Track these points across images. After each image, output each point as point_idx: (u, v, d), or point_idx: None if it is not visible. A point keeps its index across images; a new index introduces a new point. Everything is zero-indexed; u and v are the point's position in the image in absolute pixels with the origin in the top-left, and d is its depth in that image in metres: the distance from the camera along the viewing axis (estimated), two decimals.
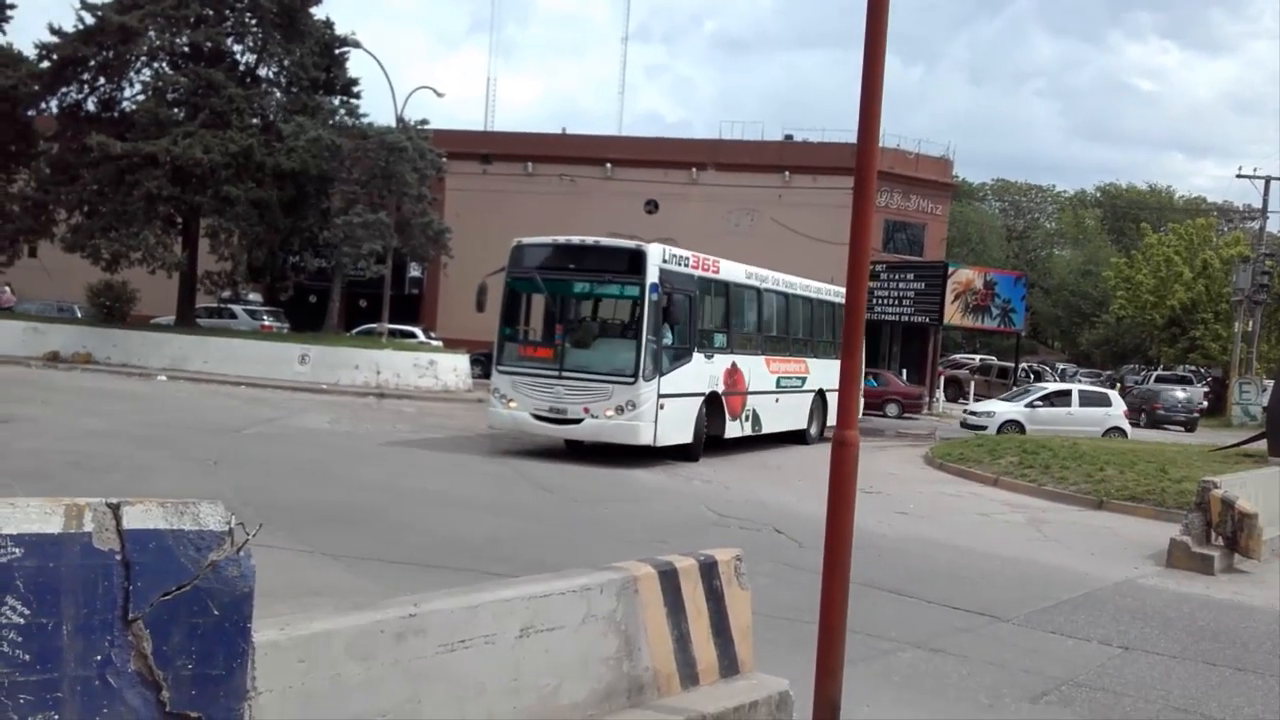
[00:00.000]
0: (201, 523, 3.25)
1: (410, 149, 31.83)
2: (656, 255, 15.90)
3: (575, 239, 16.93)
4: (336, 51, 33.18)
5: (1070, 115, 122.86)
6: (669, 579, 4.97)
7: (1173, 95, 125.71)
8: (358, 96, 33.98)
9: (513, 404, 16.17)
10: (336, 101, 33.28)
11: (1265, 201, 45.39)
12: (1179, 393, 40.28)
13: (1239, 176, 49.53)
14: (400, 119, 32.49)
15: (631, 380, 15.40)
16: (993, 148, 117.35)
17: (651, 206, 41.89)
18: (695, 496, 13.56)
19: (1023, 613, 8.58)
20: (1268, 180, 44.99)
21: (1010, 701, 6.36)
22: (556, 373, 15.91)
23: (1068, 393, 28.33)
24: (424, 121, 33.94)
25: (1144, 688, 6.83)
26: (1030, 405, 27.38)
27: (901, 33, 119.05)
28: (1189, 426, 36.77)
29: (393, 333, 33.10)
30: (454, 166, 39.72)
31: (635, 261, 15.82)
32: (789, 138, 44.38)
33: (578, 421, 15.73)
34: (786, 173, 40.61)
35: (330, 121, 31.97)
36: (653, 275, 15.53)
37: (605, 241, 16.97)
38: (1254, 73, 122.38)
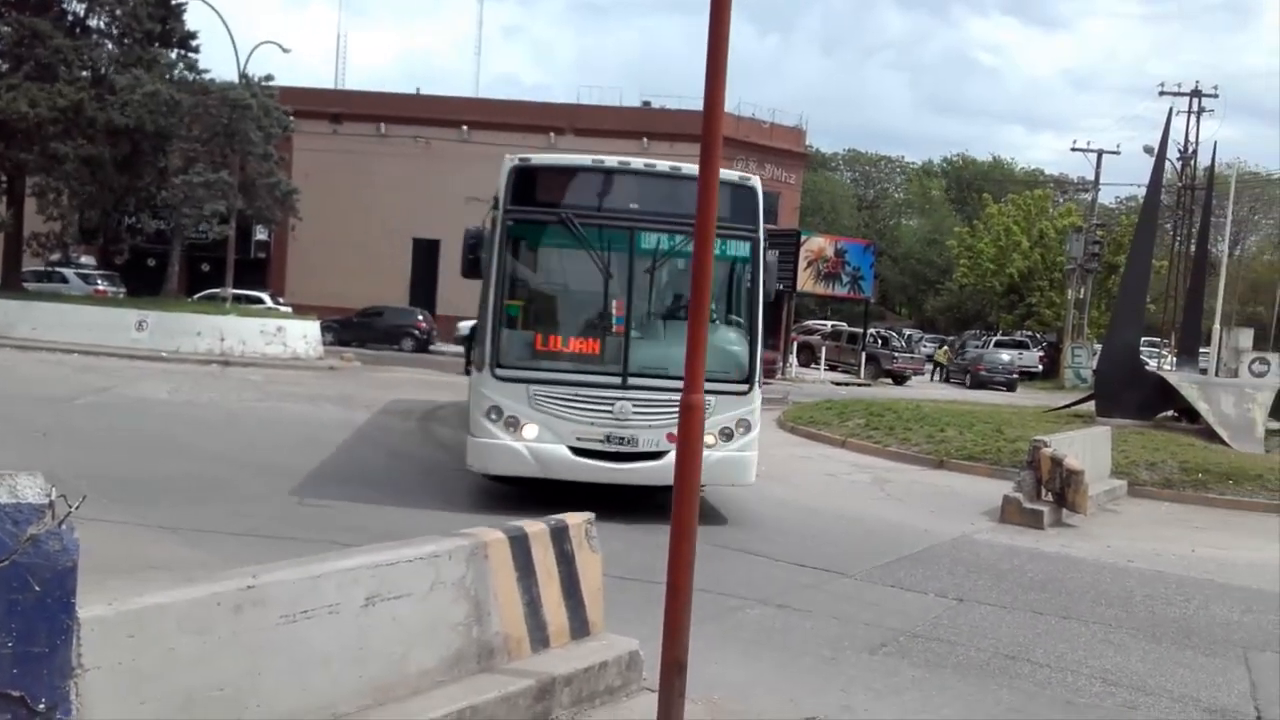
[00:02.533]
0: (19, 495, 3.09)
1: (255, 106, 30.63)
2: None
3: (634, 161, 10.64)
4: (173, 2, 31.53)
5: (918, 88, 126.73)
6: (519, 544, 4.98)
7: (1014, 70, 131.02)
8: (197, 50, 32.37)
9: (531, 431, 9.79)
10: (174, 55, 31.66)
11: (1097, 174, 48.02)
12: (1003, 355, 43.15)
13: (1074, 150, 51.94)
14: (244, 75, 31.18)
15: (745, 387, 10.13)
16: (845, 118, 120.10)
17: None
18: None
19: (865, 568, 8.92)
20: (1100, 154, 47.58)
21: (851, 653, 6.61)
22: (617, 379, 9.87)
23: None
24: (269, 78, 32.69)
25: (976, 636, 7.19)
26: None
27: (756, 2, 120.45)
28: (1010, 387, 39.70)
29: (238, 298, 31.91)
30: (303, 126, 38.43)
31: (744, 200, 10.15)
32: (647, 104, 44.49)
33: (655, 456, 9.74)
34: (645, 139, 40.66)
35: (168, 76, 30.42)
36: (763, 222, 10.40)
37: (693, 170, 10.35)
38: (1089, 50, 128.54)
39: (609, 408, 9.82)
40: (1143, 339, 26.01)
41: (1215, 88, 45.15)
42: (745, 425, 10.12)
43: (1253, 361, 35.30)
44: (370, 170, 40.92)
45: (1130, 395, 19.29)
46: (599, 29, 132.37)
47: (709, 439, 9.27)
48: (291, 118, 33.96)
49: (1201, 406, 18.14)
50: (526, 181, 9.95)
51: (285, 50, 31.11)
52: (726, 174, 9.41)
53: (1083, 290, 46.22)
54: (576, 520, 5.40)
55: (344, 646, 4.09)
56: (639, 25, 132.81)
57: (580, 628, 5.26)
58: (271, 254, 43.32)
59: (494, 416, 9.74)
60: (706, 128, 4.75)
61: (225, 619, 3.70)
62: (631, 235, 9.96)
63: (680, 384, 8.77)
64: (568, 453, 9.79)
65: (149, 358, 24.44)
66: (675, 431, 8.55)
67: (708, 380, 9.00)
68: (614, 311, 10.06)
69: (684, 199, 9.35)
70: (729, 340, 10.49)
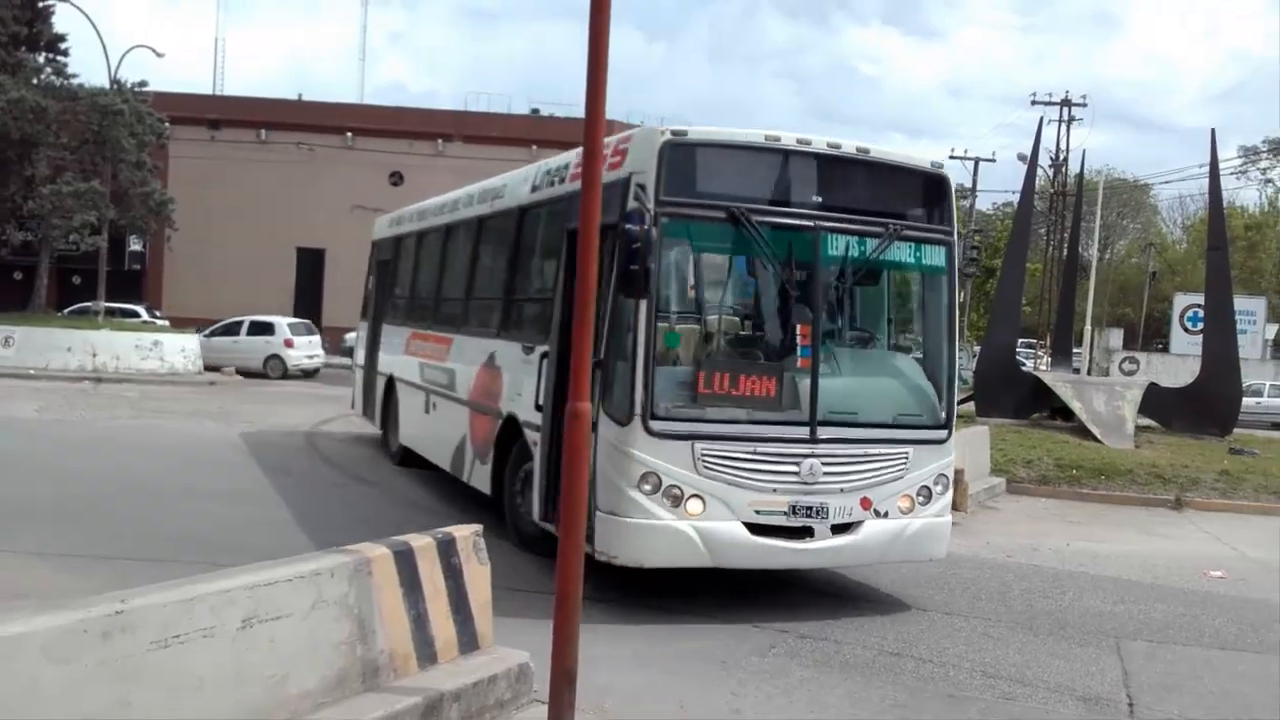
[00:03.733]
0: None
1: (127, 112, 29.57)
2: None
3: (814, 139, 7.90)
4: (40, 5, 30.28)
5: (803, 96, 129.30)
6: (405, 559, 4.90)
7: (894, 79, 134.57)
8: (66, 54, 31.23)
9: (696, 505, 7.32)
10: (41, 59, 30.42)
11: (974, 182, 49.63)
12: None
13: (951, 158, 53.59)
14: (115, 80, 30.08)
15: (943, 434, 8.15)
16: (734, 126, 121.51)
17: (396, 178, 40.82)
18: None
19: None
20: (976, 161, 49.22)
21: (742, 656, 6.67)
22: (804, 429, 7.55)
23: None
24: (143, 83, 31.60)
25: (862, 635, 7.34)
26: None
27: (644, 8, 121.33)
28: None
29: (111, 311, 30.73)
30: (179, 133, 37.23)
31: (935, 194, 8.28)
32: (535, 112, 44.37)
33: (846, 529, 7.66)
34: (534, 146, 40.45)
35: (35, 81, 29.18)
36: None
37: (883, 154, 8.18)
38: (966, 59, 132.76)
39: (794, 468, 7.41)
40: (1019, 341, 26.93)
41: (1084, 97, 47.02)
42: (944, 482, 8.15)
43: (1122, 361, 37.05)
44: (251, 178, 39.83)
45: (1008, 395, 19.91)
46: (487, 35, 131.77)
47: (904, 502, 7.81)
48: (166, 124, 32.87)
49: (1075, 405, 18.83)
50: (684, 163, 7.42)
51: (159, 54, 30.10)
52: (913, 160, 8.19)
53: (961, 294, 47.70)
54: (464, 533, 5.34)
55: (220, 671, 3.97)
56: (528, 32, 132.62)
57: (469, 642, 5.19)
58: (147, 265, 41.85)
59: (649, 487, 7.17)
60: (588, 134, 4.75)
61: (92, 647, 3.55)
62: (816, 238, 7.60)
63: (877, 433, 7.71)
64: (744, 532, 7.32)
65: (15, 375, 23.36)
66: (871, 495, 7.60)
67: (903, 427, 7.86)
68: (798, 339, 7.65)
69: (876, 191, 8.00)
70: (922, 375, 8.29)
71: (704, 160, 7.58)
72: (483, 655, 5.20)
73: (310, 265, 40.82)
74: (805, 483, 7.45)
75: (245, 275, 38.49)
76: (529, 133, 41.19)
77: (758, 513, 7.37)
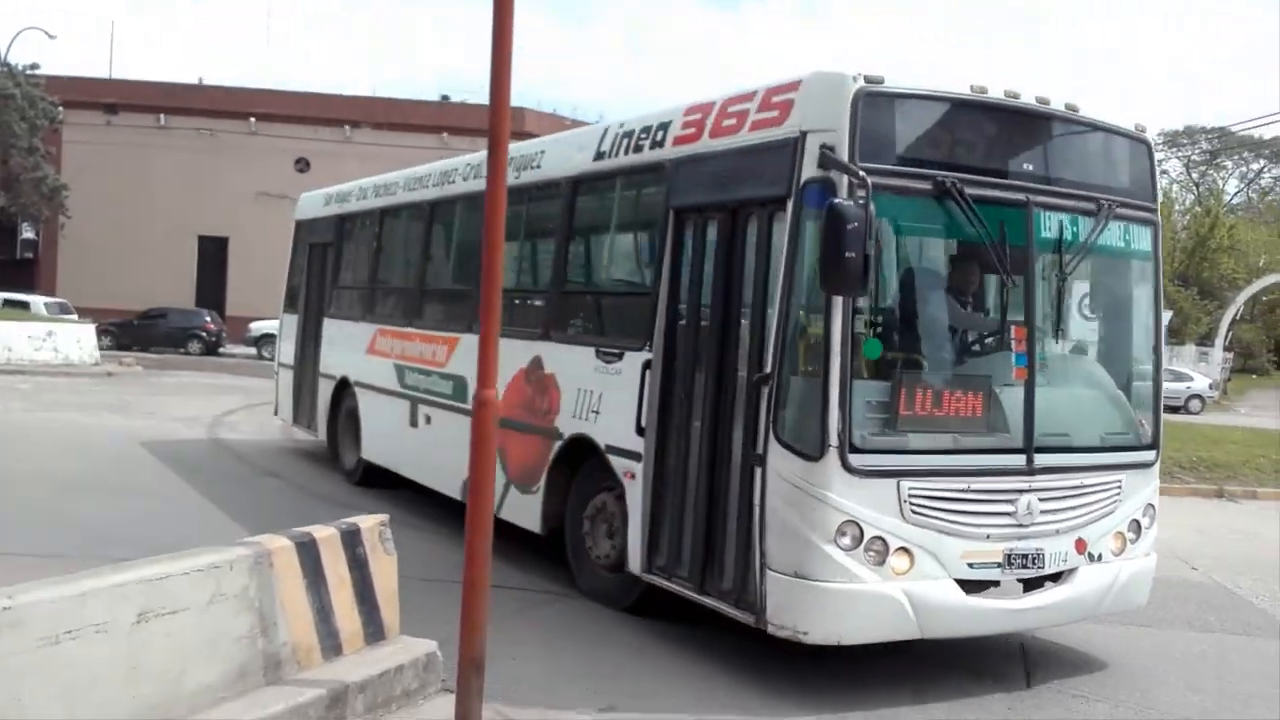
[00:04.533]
0: None
1: (18, 96, 28.54)
2: None
3: (1021, 92, 6.29)
4: None
5: (722, 86, 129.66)
6: (308, 550, 4.85)
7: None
8: None
9: (902, 561, 5.77)
10: None
11: None
12: None
13: None
14: (5, 63, 28.93)
15: (1152, 454, 6.84)
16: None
17: (302, 165, 40.00)
18: None
19: None
20: None
21: (654, 642, 6.72)
22: (1020, 457, 6.11)
23: None
24: (34, 66, 30.48)
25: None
26: None
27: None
28: None
29: (3, 301, 29.60)
30: (73, 117, 36.04)
31: (1139, 163, 6.87)
32: (445, 98, 43.87)
33: (1058, 578, 6.32)
34: (445, 134, 40.12)
35: None
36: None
37: (1091, 113, 6.60)
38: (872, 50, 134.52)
39: (1008, 507, 5.98)
40: None
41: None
42: (1152, 513, 6.74)
43: None
44: (150, 164, 38.65)
45: None
46: (398, 18, 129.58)
47: (1115, 542, 6.45)
48: (60, 108, 31.77)
49: None
50: (882, 119, 5.77)
51: (51, 36, 29.14)
52: (1113, 123, 6.65)
53: None
54: (369, 523, 5.30)
55: (114, 667, 3.88)
56: (438, 15, 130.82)
57: (375, 632, 5.16)
58: (40, 254, 40.40)
59: (848, 540, 5.59)
60: (493, 123, 4.72)
61: None
62: (1029, 217, 6.12)
63: (1093, 458, 6.27)
64: (957, 592, 5.85)
65: None
66: (1085, 535, 6.20)
67: (1115, 449, 6.48)
68: (1013, 345, 6.17)
69: (1084, 159, 6.56)
70: (1129, 385, 6.89)
71: (903, 116, 5.94)
72: (389, 645, 5.17)
73: (213, 254, 39.80)
74: (1021, 525, 6.00)
75: (144, 264, 37.41)
76: (439, 120, 40.73)
77: (970, 566, 5.89)
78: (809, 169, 5.72)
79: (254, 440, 15.07)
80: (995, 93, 6.15)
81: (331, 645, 4.87)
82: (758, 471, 5.79)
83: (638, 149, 7.27)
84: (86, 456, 12.66)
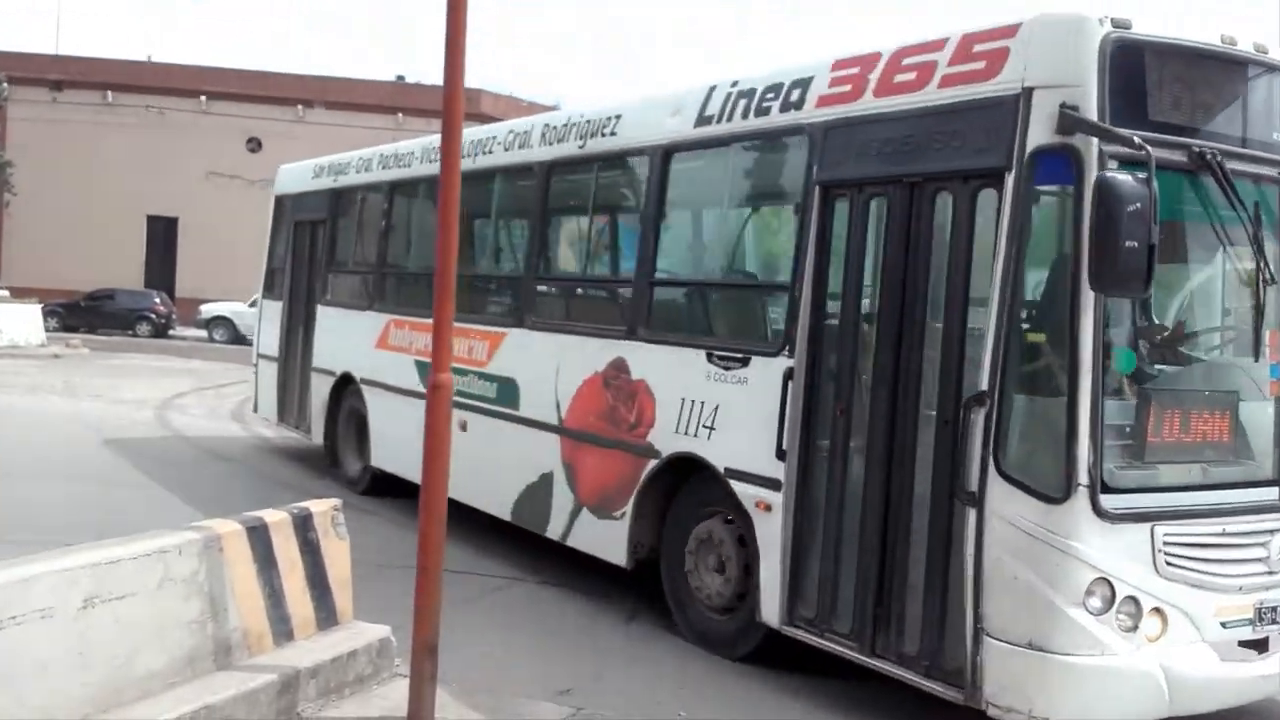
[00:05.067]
0: None
1: None
2: None
3: (1272, 52, 5.12)
4: None
5: (702, 70, 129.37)
6: (258, 535, 4.81)
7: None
8: None
9: (1153, 625, 4.69)
10: None
11: None
12: None
13: None
14: None
15: None
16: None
17: (254, 144, 39.45)
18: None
19: None
20: None
21: (609, 626, 6.75)
22: (1272, 490, 5.07)
23: None
24: None
25: None
26: None
27: None
28: None
29: None
30: (17, 94, 35.27)
31: None
32: (401, 78, 43.41)
33: None
34: (400, 114, 39.71)
35: None
36: None
37: None
38: None
39: (1260, 551, 4.96)
40: None
41: None
42: None
43: None
44: (97, 142, 37.87)
45: None
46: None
47: None
48: (5, 85, 31.04)
49: None
50: (1133, 74, 4.76)
51: None
52: None
53: None
54: (322, 507, 5.26)
55: (62, 652, 3.82)
56: None
57: (328, 618, 5.12)
58: None
59: (1099, 602, 4.59)
60: (447, 104, 4.67)
61: None
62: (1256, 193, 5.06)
63: None
64: (1213, 658, 4.82)
65: None
66: None
67: None
68: (1267, 353, 5.16)
69: None
70: None
71: (1154, 70, 4.83)
72: (342, 630, 5.13)
73: (162, 234, 39.13)
74: (1272, 572, 4.96)
75: (91, 244, 36.72)
76: (394, 100, 40.31)
77: (1223, 625, 4.85)
78: (1038, 135, 4.65)
79: (204, 424, 14.90)
80: (1245, 45, 5.06)
81: (283, 630, 4.83)
82: (969, 514, 4.71)
83: (762, 111, 6.05)
84: (29, 438, 12.42)
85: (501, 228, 9.19)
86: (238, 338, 32.26)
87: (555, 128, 7.80)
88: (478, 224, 9.31)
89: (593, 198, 7.82)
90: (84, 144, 37.64)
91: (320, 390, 10.83)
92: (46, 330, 26.54)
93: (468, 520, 7.90)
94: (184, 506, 9.05)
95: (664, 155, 6.75)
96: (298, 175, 12.21)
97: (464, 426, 8.05)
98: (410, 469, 8.48)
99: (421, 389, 8.32)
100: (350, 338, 10.38)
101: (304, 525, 5.08)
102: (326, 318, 10.95)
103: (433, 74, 42.44)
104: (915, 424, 5.04)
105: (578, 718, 5.20)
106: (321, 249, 11.27)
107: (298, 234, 11.90)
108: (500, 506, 7.96)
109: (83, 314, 32.74)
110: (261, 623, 4.72)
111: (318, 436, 11.00)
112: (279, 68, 45.55)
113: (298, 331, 11.62)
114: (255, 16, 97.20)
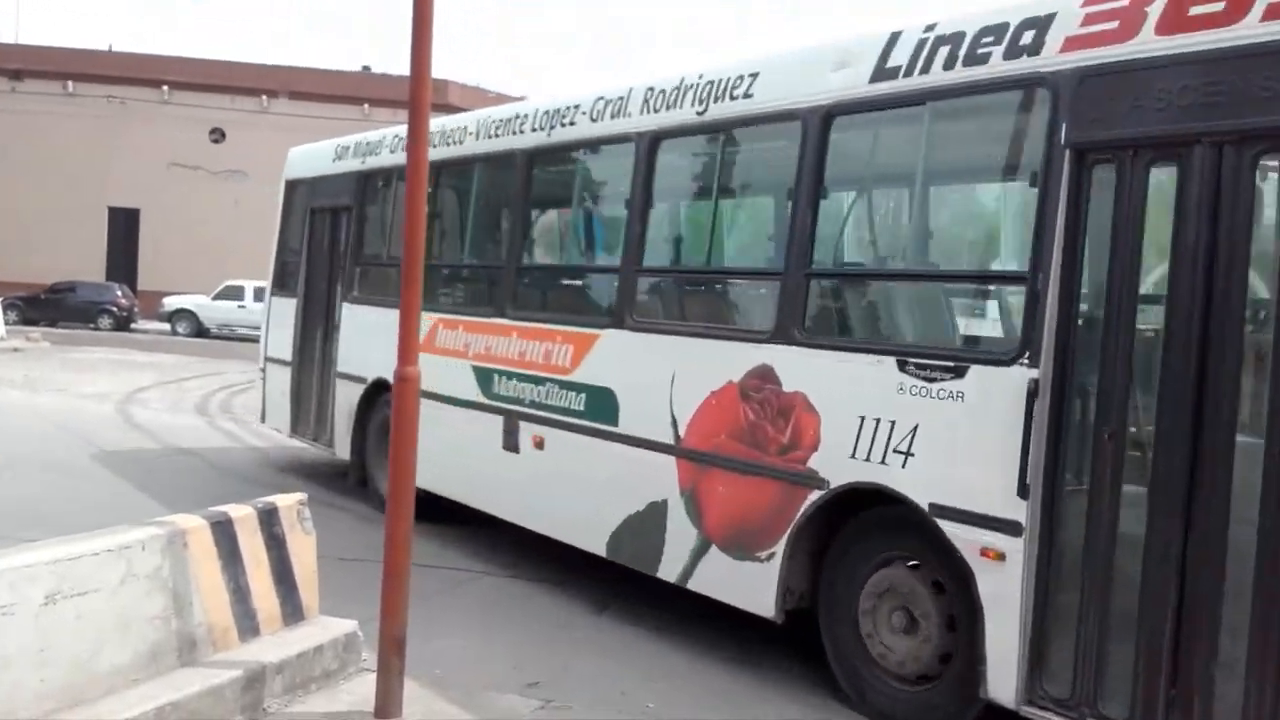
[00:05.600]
0: None
1: None
2: None
3: None
4: None
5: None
6: (223, 530, 4.77)
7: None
8: None
9: None
10: None
11: None
12: None
13: None
14: None
15: None
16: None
17: (217, 135, 39.04)
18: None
19: None
20: None
21: (580, 617, 6.75)
22: None
23: None
24: None
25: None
26: None
27: None
28: None
29: None
30: None
31: None
32: (367, 69, 43.09)
33: None
34: (366, 105, 39.40)
35: None
36: None
37: None
38: None
39: None
40: None
41: None
42: None
43: None
44: (57, 133, 37.34)
45: None
46: None
47: None
48: None
49: None
50: None
51: None
52: None
53: None
54: (287, 502, 5.23)
55: (23, 649, 3.79)
56: None
57: (294, 613, 5.09)
58: None
59: None
60: (413, 95, 4.65)
61: None
62: None
63: None
64: None
65: None
66: None
67: None
68: None
69: None
70: None
71: None
72: (308, 626, 5.10)
73: (124, 226, 38.64)
74: None
75: (52, 236, 36.24)
76: (360, 90, 39.97)
77: None
78: None
79: (167, 418, 14.73)
80: None
81: (249, 626, 4.80)
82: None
83: (976, 59, 4.88)
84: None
85: (587, 212, 8.14)
86: (201, 331, 32.00)
87: (664, 92, 6.57)
88: (553, 209, 8.44)
89: (717, 173, 6.60)
90: (44, 134, 37.11)
91: (346, 399, 9.51)
92: (7, 324, 26.17)
93: (437, 513, 7.86)
94: (148, 501, 8.96)
95: (824, 119, 5.52)
96: (314, 157, 10.86)
97: (539, 444, 7.21)
98: (469, 492, 7.98)
99: (483, 399, 7.70)
100: (385, 339, 8.37)
101: (269, 520, 5.05)
102: (354, 317, 9.59)
103: (404, 65, 42.08)
104: (1229, 454, 3.97)
105: (546, 709, 5.19)
106: (347, 239, 9.90)
107: (315, 223, 10.56)
108: (590, 539, 6.83)
109: (44, 307, 32.33)
110: (226, 618, 4.68)
111: (342, 451, 9.69)
112: (243, 57, 45.11)
113: (316, 332, 10.32)
114: (219, 6, 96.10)
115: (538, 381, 7.19)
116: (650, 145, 6.60)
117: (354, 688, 5.00)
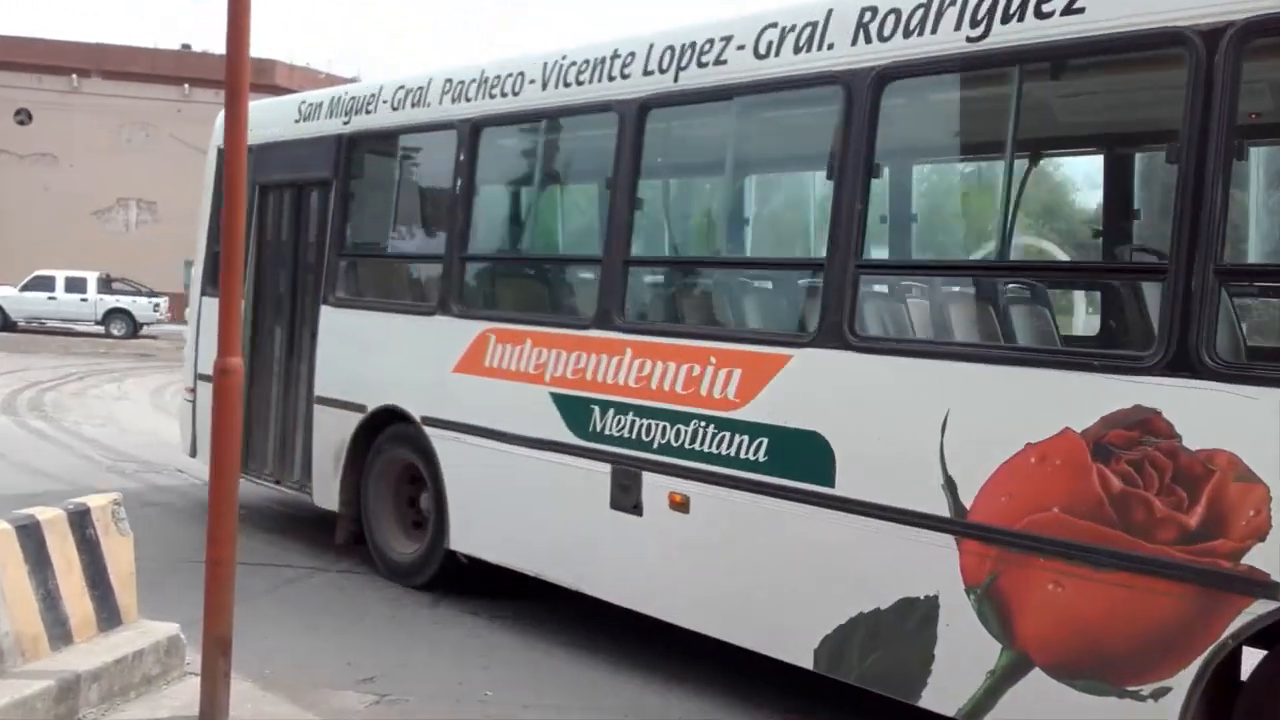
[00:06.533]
0: None
1: None
2: None
3: None
4: None
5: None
6: (29, 533, 4.53)
7: None
8: None
9: None
10: None
11: None
12: None
13: None
14: None
15: None
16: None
17: (24, 116, 36.71)
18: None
19: None
20: None
21: (415, 610, 6.68)
22: None
23: None
24: None
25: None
26: None
27: None
28: None
29: None
30: None
31: None
32: (187, 47, 41.20)
33: None
34: (186, 85, 37.68)
35: None
36: None
37: None
38: None
39: None
40: None
41: None
42: None
43: None
44: None
45: None
46: None
47: None
48: None
49: None
50: None
51: None
52: None
53: None
54: (100, 502, 4.99)
55: None
56: None
57: (110, 618, 4.87)
58: None
59: None
60: (230, 73, 4.48)
61: None
62: None
63: None
64: None
65: None
66: None
67: None
68: None
69: None
70: None
71: None
72: (126, 630, 4.89)
73: None
74: None
75: None
76: (179, 70, 38.22)
77: None
78: None
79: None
80: None
81: (60, 633, 4.57)
82: None
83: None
84: None
85: (761, 182, 6.54)
86: (7, 324, 30.15)
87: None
88: (689, 176, 6.70)
89: (1001, 118, 4.44)
90: None
91: (334, 431, 7.42)
92: None
93: (266, 507, 7.64)
94: None
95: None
96: (269, 117, 8.20)
97: (683, 505, 5.26)
98: (554, 565, 6.04)
99: (574, 439, 5.78)
100: (397, 355, 7.03)
101: (81, 522, 4.81)
102: (340, 324, 7.49)
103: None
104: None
105: (382, 704, 5.12)
106: (327, 224, 7.67)
107: (267, 203, 8.35)
108: (781, 642, 4.89)
109: None
110: (36, 626, 4.45)
111: (325, 498, 7.53)
112: (51, 34, 42.46)
113: (272, 343, 8.27)
114: None
115: (676, 419, 5.29)
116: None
117: (178, 693, 4.83)
